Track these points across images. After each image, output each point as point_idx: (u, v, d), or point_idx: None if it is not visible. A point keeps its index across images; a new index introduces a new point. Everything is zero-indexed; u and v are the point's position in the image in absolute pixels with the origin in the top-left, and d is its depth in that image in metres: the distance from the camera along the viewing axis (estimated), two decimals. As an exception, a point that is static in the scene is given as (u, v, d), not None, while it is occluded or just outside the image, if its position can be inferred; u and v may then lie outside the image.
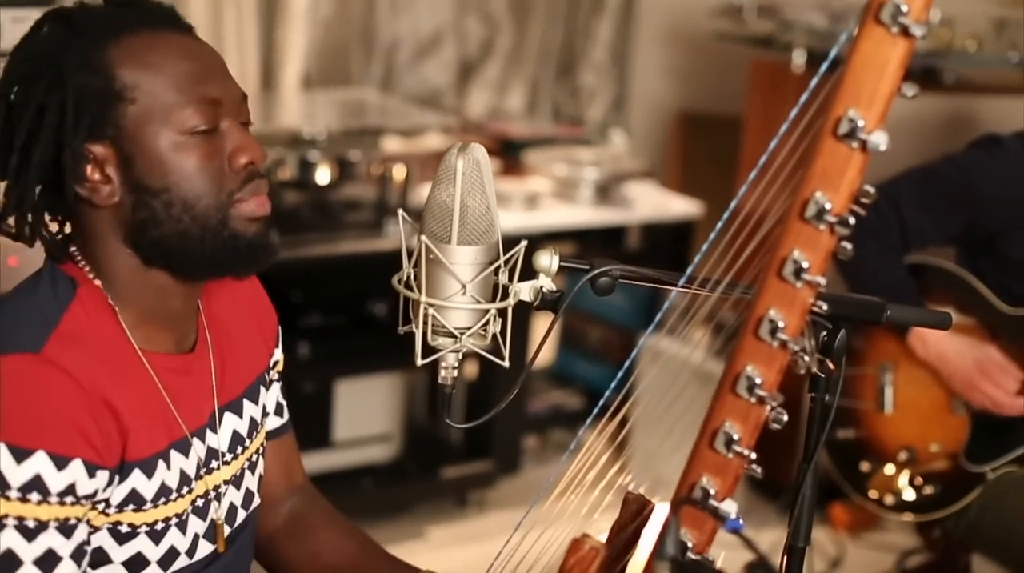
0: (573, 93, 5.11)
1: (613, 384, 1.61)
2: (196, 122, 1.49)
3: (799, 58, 4.07)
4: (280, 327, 1.84)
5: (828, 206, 1.23)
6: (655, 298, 4.31)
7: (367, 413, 3.82)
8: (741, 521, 1.26)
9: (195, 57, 1.53)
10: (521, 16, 4.90)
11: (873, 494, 2.92)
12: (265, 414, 1.78)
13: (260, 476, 1.76)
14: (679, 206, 4.38)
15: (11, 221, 1.52)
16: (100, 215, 1.51)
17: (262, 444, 1.77)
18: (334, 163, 3.61)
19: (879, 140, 1.21)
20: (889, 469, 2.89)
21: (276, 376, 1.83)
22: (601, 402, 1.59)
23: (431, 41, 4.71)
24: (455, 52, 4.78)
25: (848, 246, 1.25)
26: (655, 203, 4.36)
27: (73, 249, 1.54)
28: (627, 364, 1.72)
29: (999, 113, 4.02)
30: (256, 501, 1.74)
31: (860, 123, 1.21)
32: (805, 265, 1.25)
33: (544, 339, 1.58)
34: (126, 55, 1.48)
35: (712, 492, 1.32)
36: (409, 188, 3.70)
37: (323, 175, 3.59)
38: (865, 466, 2.92)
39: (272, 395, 1.82)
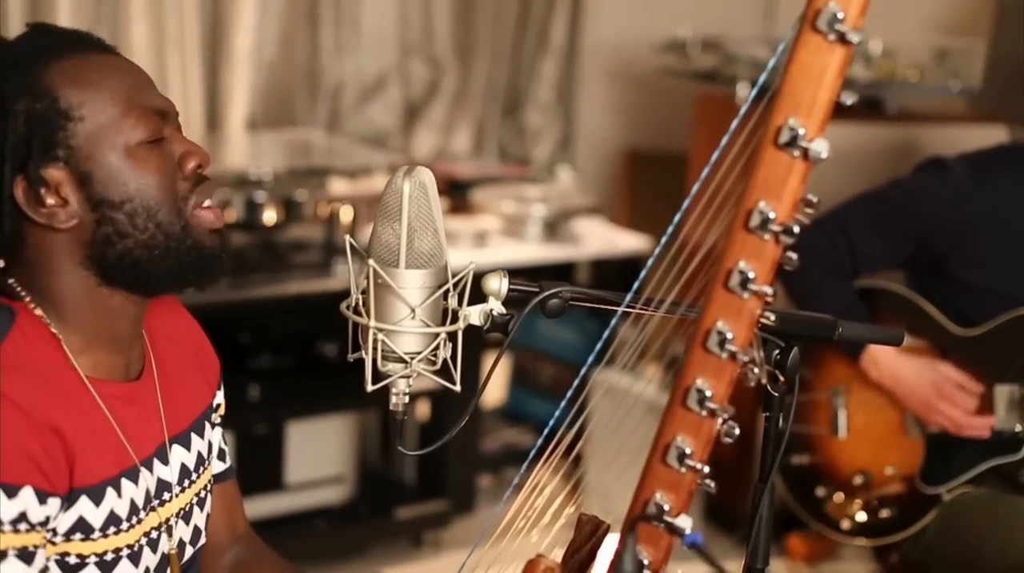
0: (519, 133, 5.11)
1: (556, 413, 1.59)
2: (146, 133, 1.51)
3: (743, 91, 4.09)
4: (222, 372, 1.83)
5: (772, 215, 1.22)
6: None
7: (319, 455, 3.79)
8: (700, 535, 1.24)
9: (129, 72, 1.55)
10: (465, 57, 4.91)
11: (830, 519, 2.91)
12: (211, 451, 1.76)
13: (208, 514, 1.74)
14: (627, 241, 4.39)
15: None
16: (54, 239, 1.50)
17: (210, 481, 1.75)
18: (280, 204, 3.59)
19: (820, 148, 1.20)
20: (845, 494, 2.89)
21: (218, 420, 1.82)
22: (544, 433, 1.58)
23: (376, 83, 4.71)
24: (400, 94, 4.78)
25: (793, 256, 1.24)
26: (604, 239, 4.37)
27: (11, 280, 1.53)
28: (569, 394, 1.66)
29: (942, 142, 4.05)
30: (203, 539, 1.72)
31: (801, 131, 1.20)
32: (751, 275, 1.24)
33: (496, 361, 1.57)
34: (63, 77, 1.49)
35: (666, 508, 1.30)
36: (357, 229, 3.69)
37: (269, 216, 3.57)
38: (820, 491, 2.92)
39: (216, 438, 1.80)
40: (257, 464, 3.62)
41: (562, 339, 4.48)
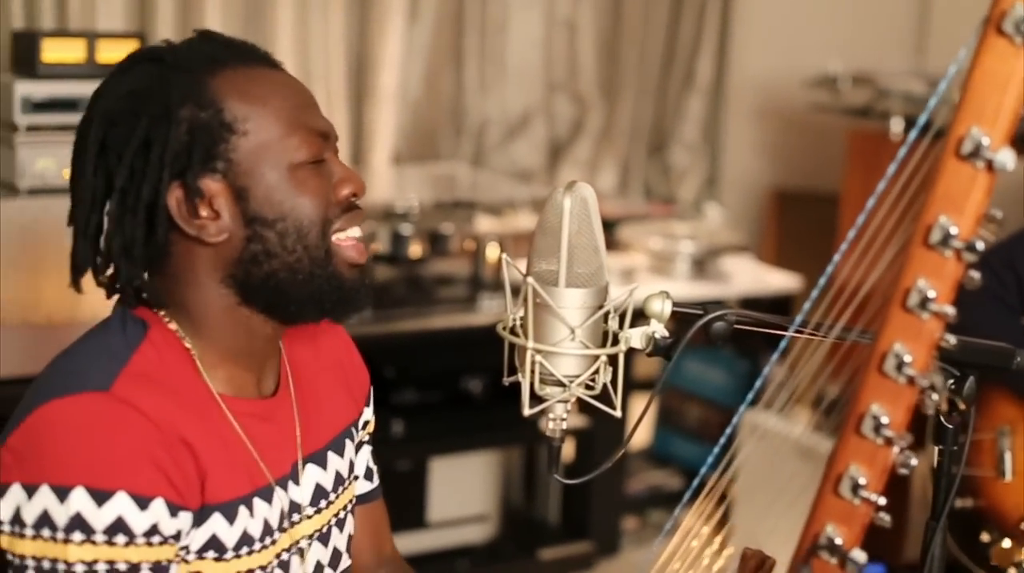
0: (664, 172, 5.05)
1: (710, 459, 1.53)
2: (309, 154, 1.49)
3: (897, 127, 4.01)
4: (372, 388, 1.79)
5: (954, 231, 1.15)
6: (755, 374, 4.23)
7: (463, 492, 3.76)
8: (882, 567, 1.18)
9: (295, 91, 1.53)
10: (611, 95, 4.87)
11: (995, 566, 2.79)
12: (352, 470, 1.71)
13: (349, 536, 1.70)
14: (777, 280, 4.31)
15: (108, 271, 1.49)
16: (199, 253, 1.48)
17: (351, 501, 1.70)
18: (426, 237, 3.58)
19: (1006, 159, 1.13)
20: (1012, 540, 2.77)
21: (367, 438, 1.77)
22: (697, 479, 1.52)
23: (521, 121, 4.70)
24: (545, 131, 4.76)
25: (976, 275, 1.17)
26: (753, 276, 4.30)
27: (145, 293, 1.50)
28: (724, 438, 1.60)
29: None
30: (345, 562, 1.68)
31: (984, 141, 1.13)
32: (931, 294, 1.17)
33: (656, 390, 1.52)
34: (229, 88, 1.47)
35: (838, 542, 1.23)
36: (503, 266, 3.66)
37: (415, 249, 3.56)
38: (986, 537, 2.80)
39: (362, 457, 1.77)
40: (400, 500, 3.60)
41: (710, 380, 4.40)
